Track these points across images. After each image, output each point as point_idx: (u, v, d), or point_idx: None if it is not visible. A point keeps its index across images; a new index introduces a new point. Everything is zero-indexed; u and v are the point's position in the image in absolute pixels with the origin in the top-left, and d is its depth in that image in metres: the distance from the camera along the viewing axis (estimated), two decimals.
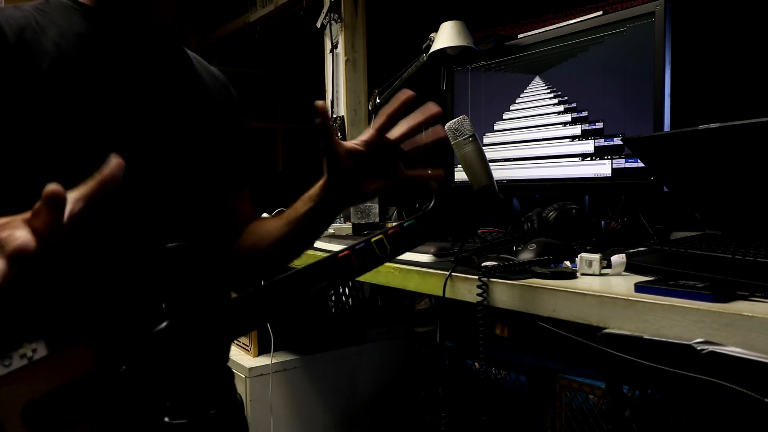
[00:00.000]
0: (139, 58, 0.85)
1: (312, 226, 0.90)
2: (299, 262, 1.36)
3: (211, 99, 0.95)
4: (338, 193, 0.84)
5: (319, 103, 0.75)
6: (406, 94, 0.78)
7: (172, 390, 0.65)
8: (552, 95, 1.40)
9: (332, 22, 2.32)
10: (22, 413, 0.58)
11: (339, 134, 2.30)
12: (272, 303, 0.70)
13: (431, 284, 1.04)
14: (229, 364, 1.02)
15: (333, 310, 2.12)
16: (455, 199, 0.79)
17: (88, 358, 0.62)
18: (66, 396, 0.60)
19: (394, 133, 0.80)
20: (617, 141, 1.26)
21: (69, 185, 0.57)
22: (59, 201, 0.51)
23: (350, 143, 0.80)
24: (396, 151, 0.81)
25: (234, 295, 0.97)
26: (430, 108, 0.80)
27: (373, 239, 0.73)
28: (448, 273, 0.99)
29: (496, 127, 1.55)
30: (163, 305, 0.67)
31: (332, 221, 0.93)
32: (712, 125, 0.86)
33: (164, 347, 0.65)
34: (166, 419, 0.64)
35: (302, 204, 0.87)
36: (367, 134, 0.80)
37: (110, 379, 0.63)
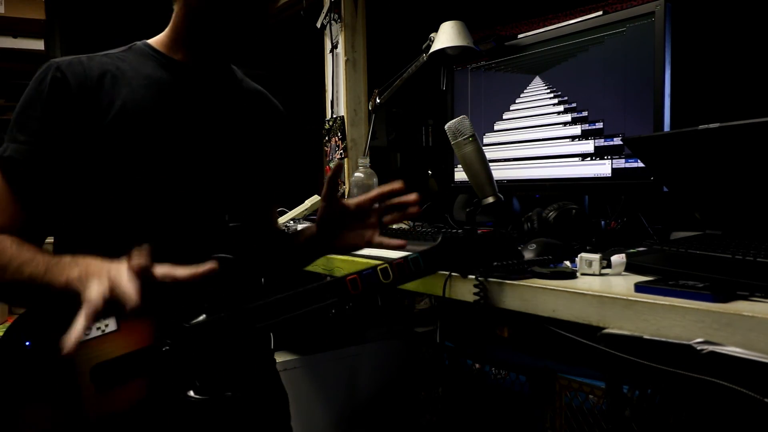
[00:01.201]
0: (201, 99, 0.96)
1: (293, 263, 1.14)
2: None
3: (263, 132, 1.08)
4: (322, 239, 1.01)
5: (337, 164, 0.98)
6: (399, 184, 0.96)
7: (200, 372, 0.80)
8: (552, 95, 1.40)
9: (332, 22, 2.32)
10: (90, 372, 0.78)
11: (339, 134, 2.30)
12: (284, 314, 0.82)
13: (431, 284, 1.03)
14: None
15: (333, 310, 2.12)
16: (462, 241, 0.88)
17: (147, 335, 0.80)
18: (122, 363, 0.78)
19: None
20: (617, 141, 1.26)
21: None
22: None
23: (344, 200, 0.98)
24: (375, 219, 0.99)
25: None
26: (409, 197, 0.97)
27: (379, 267, 0.83)
28: (448, 273, 0.99)
29: (496, 127, 1.55)
30: (205, 304, 0.82)
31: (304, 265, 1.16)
32: (712, 125, 0.86)
33: (198, 336, 0.80)
34: (191, 394, 0.79)
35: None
36: (358, 199, 0.98)
37: (156, 354, 0.79)
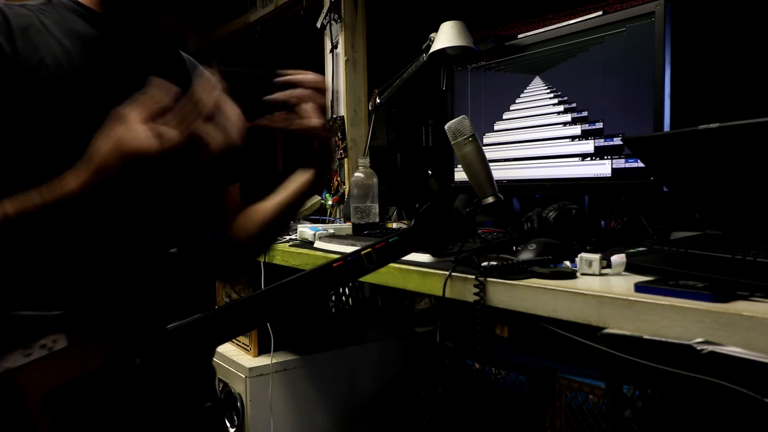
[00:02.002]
0: (139, 62, 0.87)
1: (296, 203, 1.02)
2: (296, 261, 1.36)
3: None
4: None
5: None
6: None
7: (181, 382, 0.73)
8: (552, 95, 1.40)
9: (332, 22, 2.32)
10: (43, 400, 0.63)
11: (339, 134, 2.30)
12: (276, 305, 0.79)
13: (431, 284, 1.03)
14: (230, 364, 1.05)
15: (333, 310, 2.12)
16: (437, 218, 0.92)
17: (103, 351, 0.67)
18: (83, 386, 0.65)
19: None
20: (617, 141, 1.26)
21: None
22: None
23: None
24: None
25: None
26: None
27: (363, 252, 0.86)
28: (448, 273, 0.99)
29: (496, 127, 1.55)
30: (171, 309, 0.73)
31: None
32: (712, 125, 0.86)
33: (173, 345, 0.70)
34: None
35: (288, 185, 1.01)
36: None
37: (122, 372, 0.67)
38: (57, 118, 0.76)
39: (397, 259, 0.90)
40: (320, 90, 0.91)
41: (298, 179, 1.00)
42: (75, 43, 0.81)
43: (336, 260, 0.83)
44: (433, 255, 1.07)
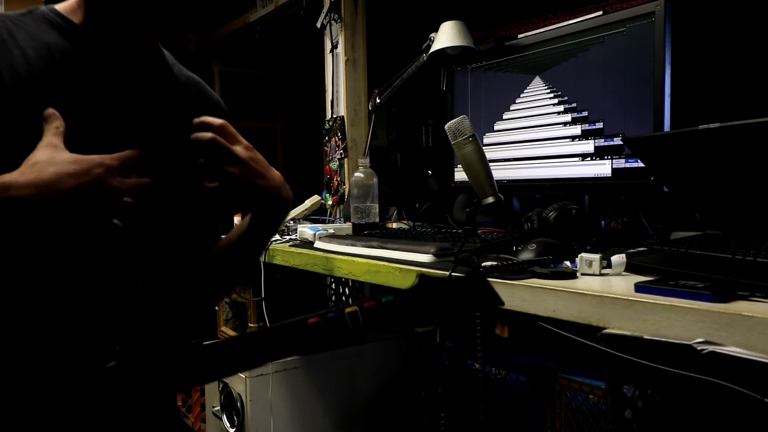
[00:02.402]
0: (111, 77, 0.82)
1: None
2: (296, 261, 1.35)
3: (188, 106, 0.92)
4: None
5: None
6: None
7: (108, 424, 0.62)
8: (552, 95, 1.40)
9: (332, 22, 2.32)
10: None
11: (339, 134, 2.30)
12: (224, 360, 0.65)
13: None
14: None
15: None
16: (442, 284, 0.72)
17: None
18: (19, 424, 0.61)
19: None
20: (617, 141, 1.26)
21: None
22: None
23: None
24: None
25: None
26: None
27: (347, 310, 0.68)
28: (448, 273, 0.99)
29: (496, 127, 1.55)
30: (117, 347, 0.67)
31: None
32: (712, 125, 0.86)
33: (108, 384, 0.62)
34: None
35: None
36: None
37: (62, 406, 0.61)
38: (6, 129, 0.73)
39: (390, 324, 0.71)
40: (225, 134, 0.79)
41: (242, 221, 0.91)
42: (42, 55, 0.77)
43: (311, 316, 0.67)
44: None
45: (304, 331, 0.65)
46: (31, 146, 0.70)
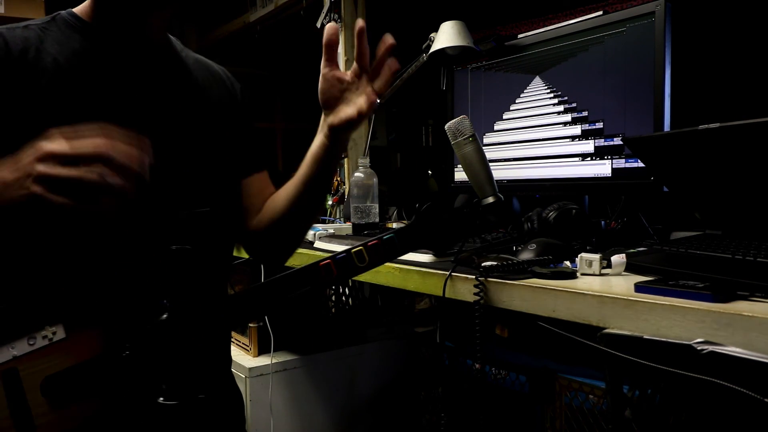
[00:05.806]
0: (132, 70, 0.88)
1: (322, 176, 0.96)
2: (296, 261, 1.36)
3: (208, 98, 0.99)
4: (326, 117, 0.90)
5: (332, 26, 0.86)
6: (390, 40, 0.92)
7: (168, 374, 0.73)
8: (552, 95, 1.40)
9: (332, 22, 2.32)
10: (41, 386, 0.69)
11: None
12: (257, 304, 0.78)
13: (431, 284, 1.04)
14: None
15: (333, 310, 2.12)
16: (438, 216, 0.84)
17: (99, 341, 0.72)
18: (78, 373, 0.71)
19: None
20: (617, 141, 1.26)
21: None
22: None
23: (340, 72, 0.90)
24: (367, 85, 0.91)
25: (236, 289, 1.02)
26: (386, 40, 0.92)
27: (353, 250, 0.79)
28: (448, 273, 0.99)
29: (496, 127, 1.55)
30: (165, 301, 0.75)
31: (334, 169, 1.00)
32: (712, 125, 0.86)
33: (162, 336, 0.73)
34: (161, 400, 0.72)
35: (307, 160, 0.95)
36: (354, 67, 0.92)
37: (115, 361, 0.72)
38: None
39: (393, 258, 0.84)
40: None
41: (313, 145, 0.95)
42: (69, 60, 0.83)
43: (323, 259, 0.79)
44: (434, 254, 1.05)
45: (319, 271, 0.78)
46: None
